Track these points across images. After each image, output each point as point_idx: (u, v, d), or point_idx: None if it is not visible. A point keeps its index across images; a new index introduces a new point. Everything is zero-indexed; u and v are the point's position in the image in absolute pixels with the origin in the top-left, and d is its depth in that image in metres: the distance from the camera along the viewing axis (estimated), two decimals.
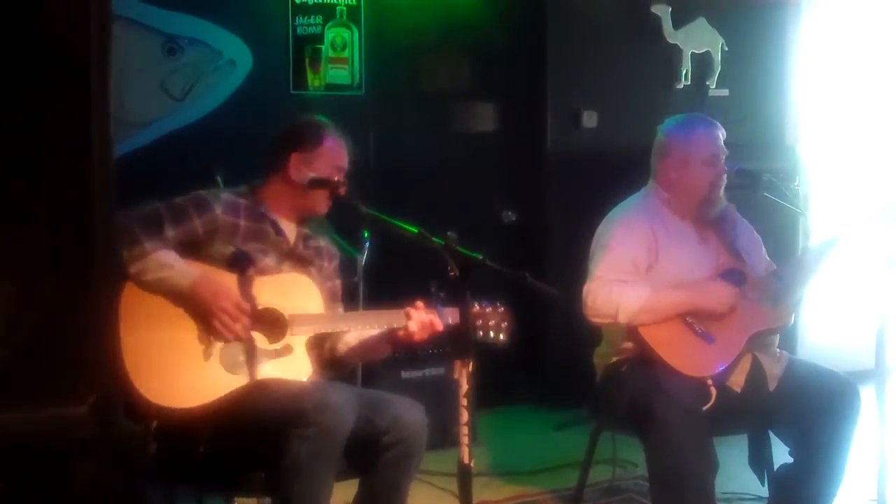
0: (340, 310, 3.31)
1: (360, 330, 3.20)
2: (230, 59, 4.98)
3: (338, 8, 5.09)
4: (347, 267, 4.18)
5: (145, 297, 2.90)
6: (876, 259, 3.11)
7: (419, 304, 3.04)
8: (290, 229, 3.20)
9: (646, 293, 3.33)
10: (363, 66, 5.16)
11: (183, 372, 2.90)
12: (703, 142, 3.53)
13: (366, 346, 3.24)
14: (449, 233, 2.49)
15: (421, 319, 3.02)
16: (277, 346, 3.01)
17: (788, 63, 6.07)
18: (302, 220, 3.24)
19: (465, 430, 2.48)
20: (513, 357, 5.19)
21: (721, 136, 3.56)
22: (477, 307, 3.04)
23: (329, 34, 5.09)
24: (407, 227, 2.67)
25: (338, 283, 3.37)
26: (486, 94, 5.50)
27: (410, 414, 3.03)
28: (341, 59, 5.12)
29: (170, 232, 2.99)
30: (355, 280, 4.36)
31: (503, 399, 5.36)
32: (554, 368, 5.43)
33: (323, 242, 3.32)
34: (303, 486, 2.77)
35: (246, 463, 2.94)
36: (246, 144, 3.18)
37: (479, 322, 3.05)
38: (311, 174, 3.12)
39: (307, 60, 5.06)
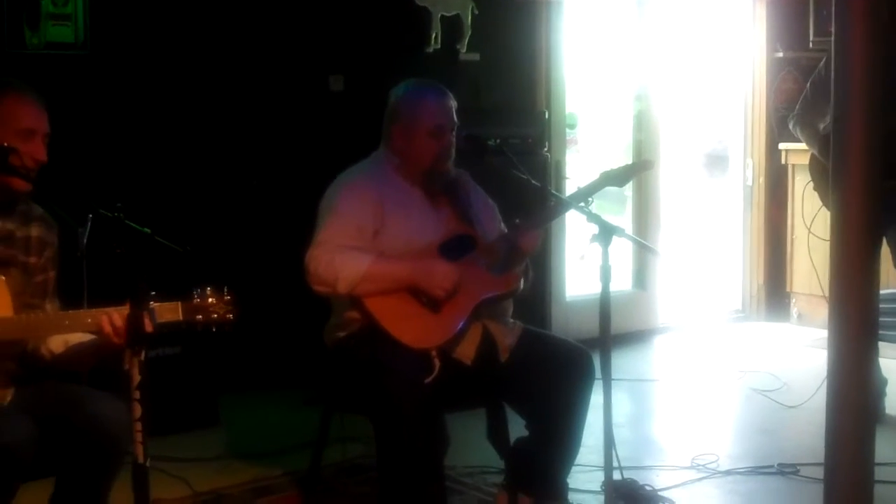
0: (51, 306, 2.98)
1: (46, 336, 2.88)
2: None
3: None
4: (71, 242, 3.92)
5: None
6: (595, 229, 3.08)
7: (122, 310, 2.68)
8: None
9: (367, 262, 3.22)
10: (89, 23, 4.82)
11: None
12: (430, 112, 3.45)
13: (72, 354, 2.91)
14: (118, 204, 2.29)
15: (119, 326, 2.67)
16: None
17: (539, 29, 6.07)
18: (5, 204, 2.87)
19: (138, 426, 2.30)
20: (256, 337, 5.12)
21: (452, 106, 3.48)
22: (197, 298, 2.79)
23: None
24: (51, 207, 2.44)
25: (51, 275, 3.02)
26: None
27: (110, 412, 2.78)
28: (64, 16, 4.77)
29: None
30: (78, 256, 4.10)
31: (250, 382, 5.17)
32: (302, 345, 5.28)
33: (35, 231, 2.95)
34: None
35: None
36: None
37: (200, 315, 2.78)
38: None
39: (24, 16, 4.68)
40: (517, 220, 3.42)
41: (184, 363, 4.61)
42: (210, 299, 2.79)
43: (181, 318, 2.76)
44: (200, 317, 2.78)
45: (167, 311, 2.76)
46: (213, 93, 5.19)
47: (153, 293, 2.66)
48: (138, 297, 2.41)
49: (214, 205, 5.15)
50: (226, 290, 2.84)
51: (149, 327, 2.63)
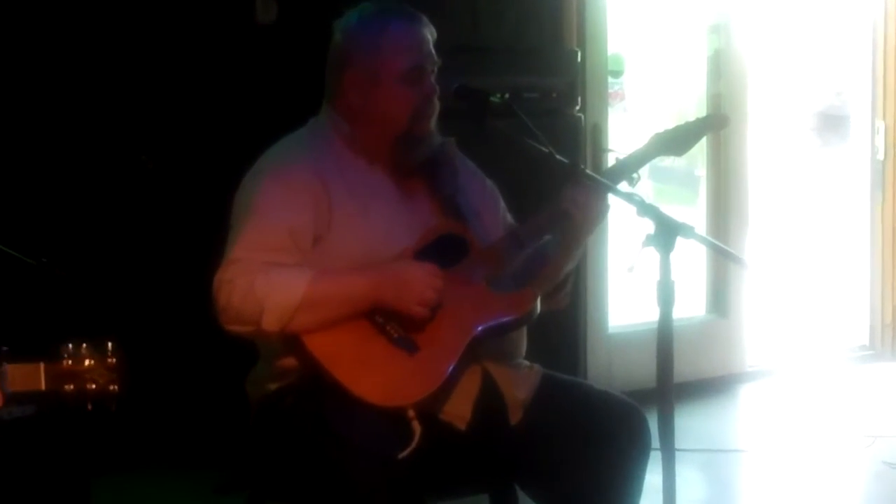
0: None
1: None
2: None
3: None
4: None
5: None
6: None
7: None
8: None
9: (305, 280, 3.21)
10: None
11: None
12: (400, 46, 3.45)
13: None
14: None
15: None
16: None
17: None
18: None
19: None
20: (146, 394, 5.13)
21: (429, 36, 3.49)
22: (68, 359, 2.80)
23: None
24: None
25: None
26: None
27: None
28: None
29: None
30: None
31: (137, 458, 5.27)
32: (214, 405, 5.32)
33: None
34: None
35: None
36: None
37: (72, 385, 2.79)
38: None
39: None
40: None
41: (40, 430, 4.60)
42: (87, 361, 2.80)
43: (43, 386, 2.78)
44: (71, 386, 2.79)
45: (24, 377, 2.77)
46: (86, 30, 5.22)
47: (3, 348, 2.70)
48: None
49: (85, 196, 5.17)
50: (110, 347, 2.84)
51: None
